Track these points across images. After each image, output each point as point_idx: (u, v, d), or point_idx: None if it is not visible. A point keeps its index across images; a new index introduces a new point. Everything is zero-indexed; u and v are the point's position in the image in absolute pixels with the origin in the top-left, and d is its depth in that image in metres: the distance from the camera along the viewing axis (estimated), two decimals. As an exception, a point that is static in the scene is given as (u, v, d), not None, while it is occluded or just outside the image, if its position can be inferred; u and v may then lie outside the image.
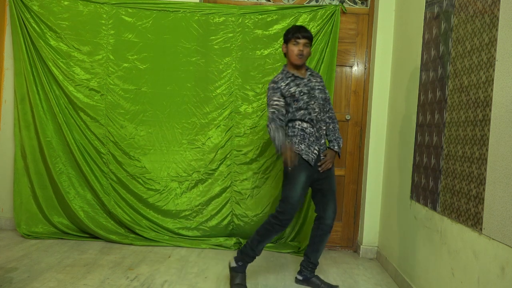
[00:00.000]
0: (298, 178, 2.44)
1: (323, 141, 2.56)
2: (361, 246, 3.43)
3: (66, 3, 3.40)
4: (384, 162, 3.38)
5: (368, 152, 3.42)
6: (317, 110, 2.51)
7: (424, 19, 2.64)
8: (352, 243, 3.60)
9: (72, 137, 3.39)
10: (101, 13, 3.41)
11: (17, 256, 2.92)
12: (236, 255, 2.56)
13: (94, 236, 3.40)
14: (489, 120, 1.76)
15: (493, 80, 1.75)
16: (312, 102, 2.50)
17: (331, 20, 3.36)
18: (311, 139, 2.49)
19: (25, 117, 3.41)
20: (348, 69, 3.57)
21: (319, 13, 3.38)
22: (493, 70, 1.75)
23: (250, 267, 2.86)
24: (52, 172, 3.37)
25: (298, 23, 3.38)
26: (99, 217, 3.44)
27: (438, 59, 2.37)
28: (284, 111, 2.48)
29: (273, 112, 2.45)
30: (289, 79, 2.52)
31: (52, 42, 3.39)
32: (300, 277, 2.72)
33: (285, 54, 2.59)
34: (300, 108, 2.48)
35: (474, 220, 1.85)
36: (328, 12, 3.37)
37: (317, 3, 3.61)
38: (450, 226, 2.09)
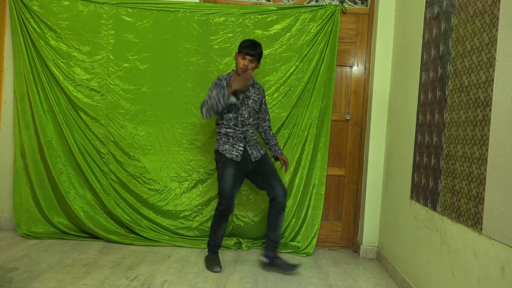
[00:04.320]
0: (227, 172, 2.84)
1: (251, 142, 2.92)
2: (361, 246, 3.43)
3: (66, 3, 3.40)
4: (384, 162, 3.38)
5: (368, 152, 3.42)
6: (245, 115, 2.89)
7: (424, 19, 2.64)
8: (352, 243, 3.60)
9: (72, 137, 3.39)
10: (101, 13, 3.41)
11: (17, 256, 2.92)
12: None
13: (94, 236, 3.40)
14: (489, 120, 1.76)
15: (493, 80, 1.75)
16: (243, 108, 2.88)
17: (331, 20, 3.37)
18: (234, 139, 2.87)
19: (25, 117, 3.41)
20: (348, 69, 3.57)
21: (319, 13, 3.38)
22: (493, 70, 1.75)
23: (250, 267, 2.97)
24: (52, 172, 3.36)
25: (298, 23, 3.39)
26: (99, 217, 3.44)
27: (438, 59, 2.37)
28: None
29: (207, 101, 2.76)
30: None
31: (52, 42, 3.39)
32: (266, 260, 2.94)
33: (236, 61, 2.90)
34: (229, 111, 2.85)
35: (474, 220, 1.85)
36: (328, 12, 3.37)
37: (317, 3, 3.61)
38: (450, 226, 2.09)
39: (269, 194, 2.97)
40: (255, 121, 2.98)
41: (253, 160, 2.90)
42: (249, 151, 2.90)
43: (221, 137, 2.90)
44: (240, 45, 2.87)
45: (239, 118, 2.87)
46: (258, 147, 2.97)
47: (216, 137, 2.98)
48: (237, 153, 2.85)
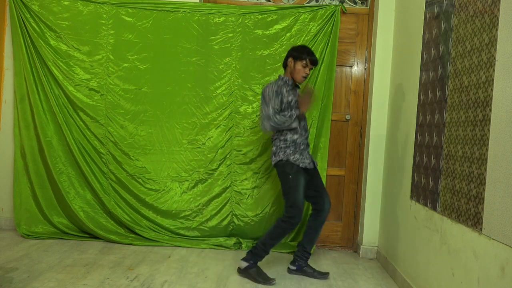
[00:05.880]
0: (299, 183, 2.69)
1: (308, 149, 2.84)
2: (361, 246, 3.43)
3: (66, 3, 3.40)
4: (384, 162, 3.38)
5: (368, 152, 3.42)
6: (303, 121, 2.79)
7: (424, 19, 2.64)
8: (352, 243, 3.60)
9: (72, 137, 3.39)
10: (101, 13, 3.41)
11: (17, 256, 2.92)
12: (246, 257, 2.77)
13: (94, 236, 3.40)
14: (489, 120, 1.76)
15: (493, 80, 1.75)
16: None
17: (331, 20, 3.36)
18: (301, 147, 2.75)
19: (24, 117, 3.41)
20: (348, 69, 3.57)
21: (319, 13, 3.38)
22: (493, 70, 1.75)
23: (250, 267, 2.88)
24: (52, 172, 3.36)
25: (298, 23, 3.39)
26: (99, 217, 3.44)
27: (438, 59, 2.37)
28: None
29: (275, 118, 2.62)
30: (290, 87, 2.76)
31: (52, 42, 3.39)
32: (293, 267, 2.90)
33: (286, 66, 2.80)
34: None
35: (474, 220, 1.85)
36: (328, 12, 3.37)
37: (317, 3, 3.61)
38: (450, 226, 2.09)
39: (317, 207, 2.86)
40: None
41: (315, 167, 2.84)
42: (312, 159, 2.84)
43: (288, 146, 2.72)
44: (298, 51, 2.75)
45: (301, 123, 2.75)
46: (311, 155, 2.88)
47: (275, 146, 2.77)
48: (308, 160, 2.76)
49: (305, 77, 2.78)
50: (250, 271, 2.72)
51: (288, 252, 3.36)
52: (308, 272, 2.87)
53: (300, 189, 2.68)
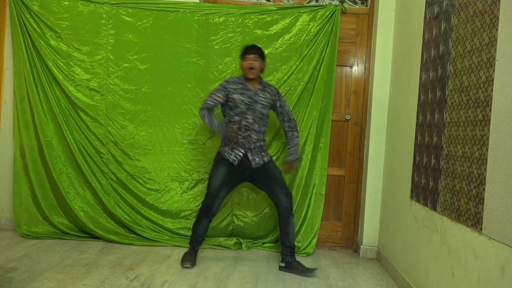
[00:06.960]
0: (218, 171, 2.89)
1: (255, 149, 2.90)
2: (361, 246, 3.43)
3: (66, 3, 3.40)
4: (384, 162, 3.38)
5: (368, 152, 3.42)
6: (250, 120, 2.86)
7: (424, 19, 2.64)
8: (352, 243, 3.60)
9: (72, 137, 3.39)
10: (101, 13, 3.41)
11: (17, 256, 2.92)
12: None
13: (94, 236, 3.40)
14: (489, 120, 1.76)
15: (493, 80, 1.75)
16: (249, 113, 2.86)
17: (331, 20, 3.36)
18: (235, 144, 2.86)
19: (24, 117, 3.41)
20: (348, 69, 3.57)
21: (319, 13, 3.38)
22: (493, 70, 1.75)
23: (250, 267, 2.97)
24: (52, 172, 3.36)
25: (298, 23, 3.39)
26: (99, 217, 3.44)
27: (438, 59, 2.37)
28: (215, 106, 2.87)
29: (208, 103, 2.84)
30: (240, 85, 2.90)
31: (52, 42, 3.39)
32: (282, 264, 2.95)
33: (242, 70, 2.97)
34: (236, 114, 2.85)
35: (474, 220, 1.85)
36: (328, 12, 3.37)
37: (317, 3, 3.61)
38: (450, 226, 2.09)
39: (274, 200, 2.97)
40: (262, 127, 2.93)
41: (253, 166, 2.89)
42: (250, 157, 2.88)
43: (225, 138, 2.90)
44: (241, 53, 2.96)
45: (242, 122, 2.84)
46: (262, 154, 2.94)
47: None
48: (234, 158, 2.86)
49: (251, 68, 2.85)
50: (186, 253, 2.97)
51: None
52: (296, 268, 2.89)
53: (216, 177, 2.87)
